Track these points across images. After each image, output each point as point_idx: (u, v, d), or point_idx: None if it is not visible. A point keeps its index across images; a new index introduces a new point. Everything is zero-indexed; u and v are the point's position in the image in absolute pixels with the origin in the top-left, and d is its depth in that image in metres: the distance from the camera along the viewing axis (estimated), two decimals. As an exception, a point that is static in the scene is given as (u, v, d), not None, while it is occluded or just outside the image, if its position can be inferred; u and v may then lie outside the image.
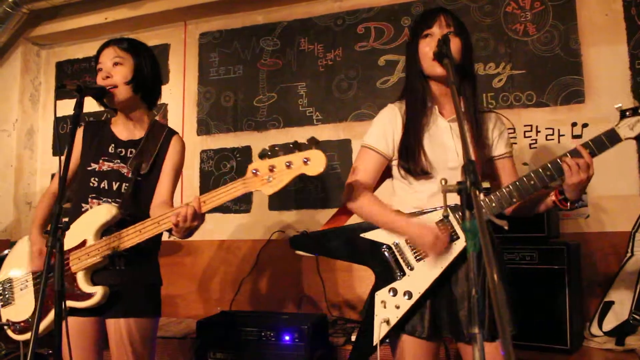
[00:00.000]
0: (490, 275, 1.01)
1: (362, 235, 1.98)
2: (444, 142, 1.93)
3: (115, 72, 2.15)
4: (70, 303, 2.02)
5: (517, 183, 1.80)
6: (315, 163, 1.66)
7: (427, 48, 1.90)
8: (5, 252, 2.92)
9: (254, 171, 1.75)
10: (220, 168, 4.07)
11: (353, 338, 3.12)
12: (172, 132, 2.30)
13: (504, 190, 1.81)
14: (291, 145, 1.69)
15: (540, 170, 1.78)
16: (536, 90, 3.39)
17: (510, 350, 0.94)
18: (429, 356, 1.92)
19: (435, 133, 1.95)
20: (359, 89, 3.80)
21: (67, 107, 4.67)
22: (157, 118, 4.22)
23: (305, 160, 1.67)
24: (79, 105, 1.97)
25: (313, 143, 1.68)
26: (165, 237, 2.11)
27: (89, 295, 2.01)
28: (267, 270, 3.82)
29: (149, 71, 2.23)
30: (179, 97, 4.28)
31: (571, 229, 3.21)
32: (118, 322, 2.10)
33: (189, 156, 4.13)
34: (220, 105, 4.14)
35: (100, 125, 2.29)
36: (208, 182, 4.07)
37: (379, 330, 1.86)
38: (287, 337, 2.94)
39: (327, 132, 3.83)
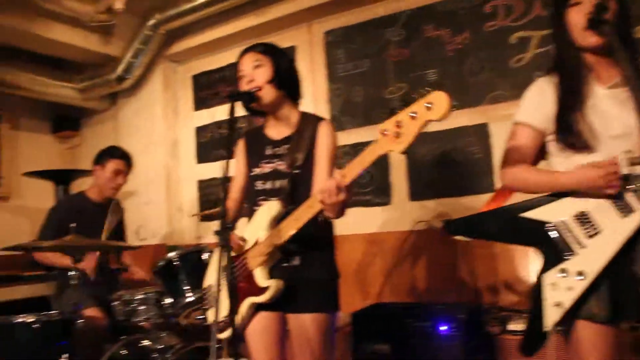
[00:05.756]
0: None
1: (522, 215, 1.90)
2: (603, 110, 1.83)
3: (257, 74, 2.21)
4: (251, 299, 2.14)
5: None
6: (439, 105, 1.63)
7: (577, 17, 1.80)
8: (171, 254, 3.17)
9: (384, 132, 1.76)
10: (357, 163, 4.12)
11: (510, 327, 3.06)
12: (319, 119, 2.31)
13: None
14: (413, 95, 1.69)
15: None
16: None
17: None
18: (610, 343, 1.79)
19: (594, 103, 1.84)
20: (492, 70, 3.68)
21: (204, 117, 5.00)
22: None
23: (428, 105, 1.64)
24: (232, 111, 2.05)
25: (433, 87, 1.67)
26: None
27: (264, 290, 2.10)
28: (414, 261, 3.83)
29: (287, 67, 2.29)
30: (310, 97, 4.37)
31: None
32: (297, 318, 2.18)
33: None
34: (351, 100, 4.20)
35: (255, 132, 2.40)
36: (346, 178, 4.13)
37: (551, 315, 1.78)
38: (443, 328, 2.94)
39: (462, 118, 3.75)
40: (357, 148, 4.12)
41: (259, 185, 2.29)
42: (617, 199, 1.75)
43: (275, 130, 2.33)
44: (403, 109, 1.71)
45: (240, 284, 2.17)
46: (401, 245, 3.86)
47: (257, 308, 2.19)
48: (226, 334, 2.20)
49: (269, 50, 2.27)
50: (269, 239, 2.11)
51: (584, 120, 1.83)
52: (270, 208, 2.17)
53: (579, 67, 1.88)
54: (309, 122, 2.30)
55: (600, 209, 1.77)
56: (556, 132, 1.89)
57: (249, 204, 2.34)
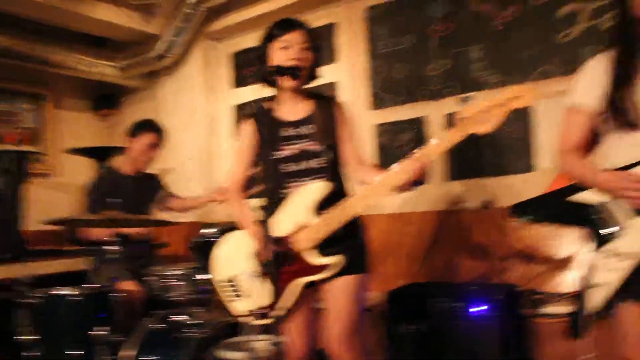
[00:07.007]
0: None
1: (570, 198, 1.90)
2: None
3: (306, 55, 2.27)
4: (308, 279, 2.19)
5: None
6: (527, 96, 1.84)
7: None
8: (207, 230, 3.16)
9: (465, 116, 1.90)
10: (398, 140, 4.04)
11: (544, 310, 2.97)
12: (333, 99, 2.45)
13: None
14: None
15: None
16: None
17: None
18: None
19: None
20: (538, 46, 3.53)
21: (244, 95, 4.96)
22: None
23: (516, 95, 1.84)
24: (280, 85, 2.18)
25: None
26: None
27: (323, 267, 2.15)
28: (447, 242, 3.74)
29: (319, 52, 2.38)
30: (349, 74, 4.32)
31: None
32: (341, 281, 2.22)
33: (364, 132, 4.16)
34: (392, 78, 4.10)
35: (264, 114, 2.39)
36: (385, 156, 4.06)
37: (596, 298, 1.78)
38: (479, 308, 2.90)
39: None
40: (398, 126, 4.04)
41: (285, 167, 2.29)
42: None
43: (288, 111, 2.35)
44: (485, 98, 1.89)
45: (287, 267, 2.19)
46: (433, 225, 3.78)
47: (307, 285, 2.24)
48: (267, 321, 2.23)
49: (312, 33, 2.34)
50: (328, 218, 2.14)
51: (636, 97, 1.77)
52: (318, 188, 2.20)
53: (636, 40, 1.82)
54: (320, 101, 2.38)
55: None
56: (608, 110, 1.85)
57: (272, 187, 2.32)
